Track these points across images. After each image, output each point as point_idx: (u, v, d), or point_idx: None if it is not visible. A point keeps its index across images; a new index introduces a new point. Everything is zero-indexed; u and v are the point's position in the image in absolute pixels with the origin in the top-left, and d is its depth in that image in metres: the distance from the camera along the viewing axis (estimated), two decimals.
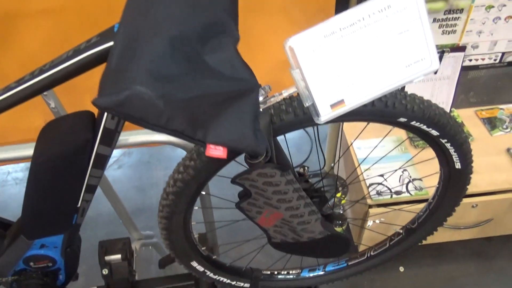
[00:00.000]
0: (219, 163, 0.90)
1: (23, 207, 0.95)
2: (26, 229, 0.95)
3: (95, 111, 0.85)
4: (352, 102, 0.69)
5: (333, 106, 0.69)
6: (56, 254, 1.02)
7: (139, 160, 2.24)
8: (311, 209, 0.94)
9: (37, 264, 1.03)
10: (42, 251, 1.00)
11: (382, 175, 1.51)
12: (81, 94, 1.37)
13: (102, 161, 0.86)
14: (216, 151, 0.57)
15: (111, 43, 0.69)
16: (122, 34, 0.60)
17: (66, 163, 0.83)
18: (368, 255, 1.26)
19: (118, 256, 1.22)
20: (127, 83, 0.54)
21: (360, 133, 0.96)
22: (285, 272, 1.29)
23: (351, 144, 1.59)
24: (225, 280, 1.23)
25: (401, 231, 1.20)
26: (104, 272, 1.22)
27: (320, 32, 0.65)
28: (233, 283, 1.24)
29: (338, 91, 0.68)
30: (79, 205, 0.92)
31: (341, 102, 0.69)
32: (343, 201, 1.12)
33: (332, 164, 1.98)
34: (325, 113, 0.69)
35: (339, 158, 1.76)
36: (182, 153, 1.02)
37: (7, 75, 1.38)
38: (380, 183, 1.48)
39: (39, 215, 0.92)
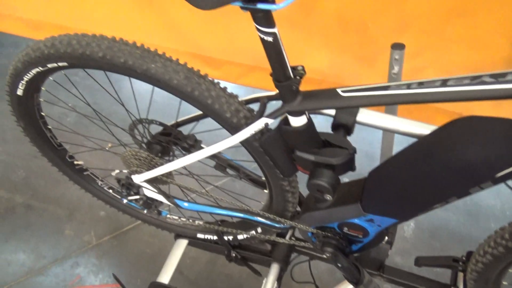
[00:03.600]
0: None
1: (373, 179, 0.92)
2: (369, 201, 0.93)
3: None
4: None
5: None
6: (373, 231, 0.99)
7: None
8: None
9: (350, 231, 1.01)
10: (366, 224, 0.98)
11: None
12: None
13: None
14: None
15: None
16: None
17: (477, 169, 0.75)
18: None
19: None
20: None
21: None
22: None
23: None
24: None
25: None
26: None
27: None
28: None
29: None
30: (437, 205, 0.86)
31: None
32: None
33: None
34: None
35: None
36: None
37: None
38: None
39: (394, 197, 0.89)
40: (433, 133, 0.80)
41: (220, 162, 1.13)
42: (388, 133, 1.25)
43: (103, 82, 1.10)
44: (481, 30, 1.22)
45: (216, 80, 0.88)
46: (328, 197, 0.88)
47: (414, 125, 0.86)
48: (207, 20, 1.55)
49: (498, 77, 0.65)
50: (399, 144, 1.72)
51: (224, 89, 0.88)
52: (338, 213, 0.99)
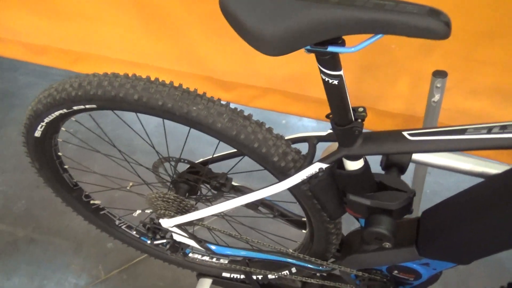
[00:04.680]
0: None
1: (430, 220, 0.85)
2: (425, 244, 0.86)
3: None
4: None
5: None
6: (428, 274, 0.93)
7: None
8: None
9: (401, 275, 0.94)
10: (420, 268, 0.91)
11: None
12: None
13: None
14: None
15: None
16: None
17: None
18: None
19: None
20: None
21: None
22: None
23: None
24: None
25: None
26: None
27: None
28: None
29: None
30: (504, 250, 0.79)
31: None
32: None
33: None
34: None
35: None
36: None
37: None
38: None
39: (455, 241, 0.82)
40: (507, 173, 0.74)
41: None
42: (421, 165, 1.19)
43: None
44: (511, 54, 1.18)
45: (233, 105, 0.79)
46: (388, 245, 0.81)
47: (481, 164, 0.79)
48: (219, 42, 1.49)
49: None
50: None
51: (270, 130, 0.81)
52: (389, 256, 0.92)
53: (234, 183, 1.04)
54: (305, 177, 0.77)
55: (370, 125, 1.53)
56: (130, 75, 0.79)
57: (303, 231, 1.04)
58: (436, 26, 0.53)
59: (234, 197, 0.88)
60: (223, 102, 0.79)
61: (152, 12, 1.44)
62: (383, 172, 0.86)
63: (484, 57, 1.21)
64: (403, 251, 0.89)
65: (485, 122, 0.66)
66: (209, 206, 0.93)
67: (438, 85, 1.02)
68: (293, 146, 0.85)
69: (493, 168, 0.78)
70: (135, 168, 1.09)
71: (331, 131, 0.81)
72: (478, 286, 1.02)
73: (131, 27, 1.50)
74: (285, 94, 1.57)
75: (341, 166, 0.78)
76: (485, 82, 1.27)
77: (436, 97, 1.04)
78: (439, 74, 1.01)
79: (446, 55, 1.23)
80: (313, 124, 2.15)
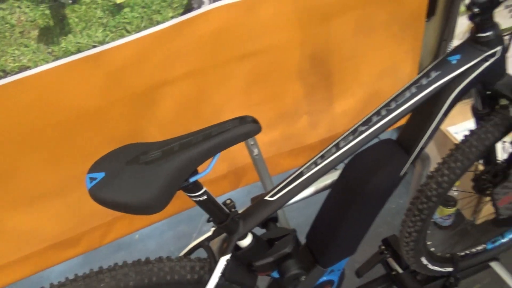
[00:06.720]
0: None
1: (314, 238, 1.06)
2: (323, 257, 1.07)
3: None
4: None
5: None
6: (336, 277, 1.13)
7: None
8: None
9: None
10: (330, 276, 1.11)
11: None
12: None
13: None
14: None
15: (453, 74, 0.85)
16: None
17: (389, 189, 0.96)
18: None
19: None
20: None
21: None
22: (474, 250, 1.47)
23: None
24: (437, 268, 1.38)
25: None
26: None
27: None
28: (443, 269, 1.40)
29: None
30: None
31: None
32: None
33: None
34: None
35: None
36: None
37: (146, 138, 1.43)
38: None
39: (339, 242, 1.04)
40: (339, 178, 0.99)
41: None
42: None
43: None
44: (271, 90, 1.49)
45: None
46: (304, 277, 0.99)
47: (321, 180, 1.03)
48: (30, 211, 1.43)
49: (367, 123, 0.87)
50: None
51: (170, 258, 0.91)
52: (305, 284, 1.10)
53: None
54: (220, 274, 0.90)
55: (213, 193, 1.71)
56: None
57: None
58: (251, 128, 0.73)
59: None
60: (119, 263, 0.86)
61: None
62: (264, 230, 1.04)
63: (257, 100, 1.50)
64: (312, 273, 1.08)
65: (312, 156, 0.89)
66: None
67: (252, 143, 1.25)
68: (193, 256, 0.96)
69: (330, 178, 1.03)
70: None
71: (213, 228, 0.96)
72: (364, 255, 1.30)
73: None
74: (126, 216, 1.61)
75: (238, 247, 0.93)
76: (269, 116, 1.57)
77: (255, 151, 1.27)
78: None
79: (235, 112, 1.48)
80: (162, 222, 2.21)
